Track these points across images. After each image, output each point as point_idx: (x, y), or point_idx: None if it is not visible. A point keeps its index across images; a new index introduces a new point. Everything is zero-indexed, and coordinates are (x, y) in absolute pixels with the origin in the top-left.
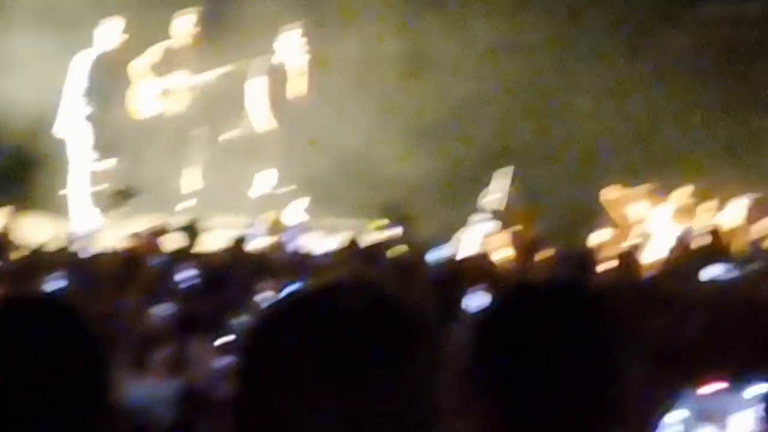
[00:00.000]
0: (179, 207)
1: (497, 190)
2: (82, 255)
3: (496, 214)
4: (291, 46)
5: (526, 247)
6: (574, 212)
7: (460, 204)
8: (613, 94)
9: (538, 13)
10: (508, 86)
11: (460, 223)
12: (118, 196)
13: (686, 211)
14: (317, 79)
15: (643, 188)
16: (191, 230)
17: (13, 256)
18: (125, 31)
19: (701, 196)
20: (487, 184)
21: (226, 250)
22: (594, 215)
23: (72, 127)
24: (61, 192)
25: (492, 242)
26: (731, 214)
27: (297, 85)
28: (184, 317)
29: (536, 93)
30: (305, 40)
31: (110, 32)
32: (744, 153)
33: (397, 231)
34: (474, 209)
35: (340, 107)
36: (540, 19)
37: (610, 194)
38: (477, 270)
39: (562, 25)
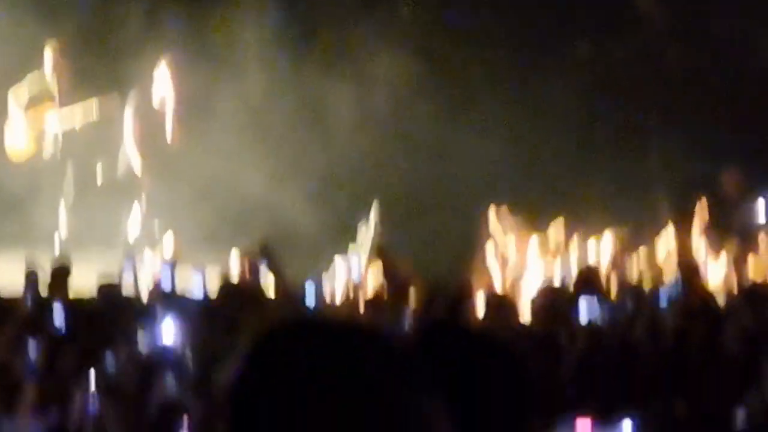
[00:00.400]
0: (51, 245)
1: (368, 227)
2: None
3: (367, 251)
4: (166, 82)
5: (397, 286)
6: (450, 250)
7: (335, 245)
8: (494, 132)
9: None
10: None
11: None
12: None
13: (558, 246)
14: (194, 116)
15: (515, 220)
16: (62, 269)
17: None
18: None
19: (573, 231)
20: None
21: (98, 289)
22: (469, 253)
23: None
24: None
25: (363, 280)
26: (601, 249)
27: (171, 124)
28: (55, 356)
29: (418, 132)
30: (180, 76)
31: None
32: (612, 190)
33: (265, 268)
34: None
35: (212, 145)
36: (430, 68)
37: (490, 222)
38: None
39: (447, 70)
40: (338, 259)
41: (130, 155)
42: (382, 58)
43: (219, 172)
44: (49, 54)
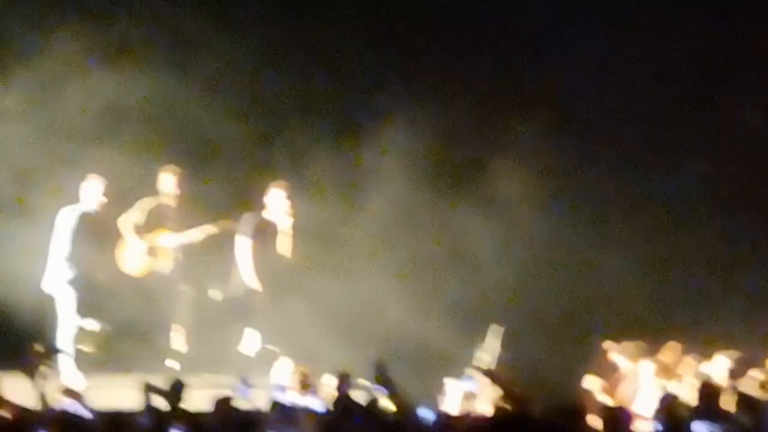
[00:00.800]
0: (167, 365)
1: (487, 349)
2: (71, 415)
3: (484, 372)
4: (278, 204)
5: (513, 404)
6: (560, 371)
7: (445, 365)
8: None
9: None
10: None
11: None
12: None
13: (670, 369)
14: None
15: (632, 345)
16: (177, 389)
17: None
18: (108, 189)
19: (683, 353)
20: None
21: (213, 409)
22: (578, 373)
23: (59, 285)
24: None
25: (479, 399)
26: (715, 370)
27: (283, 244)
28: None
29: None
30: (290, 200)
31: (92, 190)
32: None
33: (382, 390)
34: (455, 371)
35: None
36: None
37: (606, 347)
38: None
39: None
40: (449, 381)
41: (247, 276)
42: (513, 181)
43: (344, 296)
44: (164, 178)
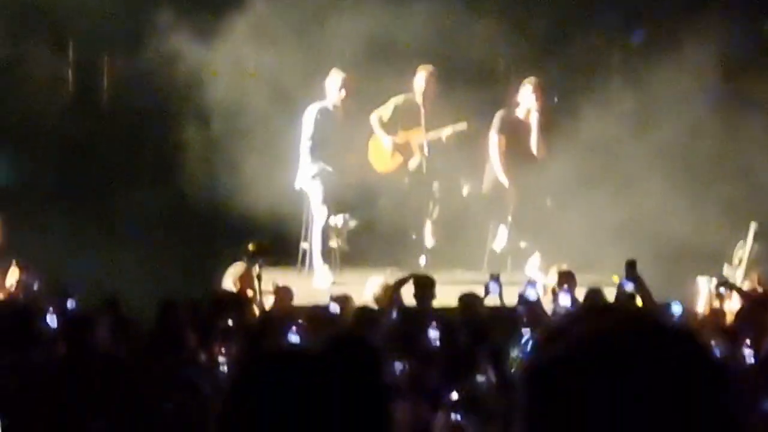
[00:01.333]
0: (419, 261)
1: (745, 246)
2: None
3: (735, 272)
4: (530, 99)
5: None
6: None
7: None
8: None
9: None
10: None
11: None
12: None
13: None
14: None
15: None
16: (428, 279)
17: (254, 312)
18: (350, 83)
19: None
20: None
21: (460, 299)
22: None
23: (311, 181)
24: (302, 246)
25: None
26: None
27: (537, 140)
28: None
29: None
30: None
31: (335, 85)
32: None
33: (631, 286)
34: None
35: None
36: None
37: None
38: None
39: None
40: (700, 279)
41: (497, 172)
42: None
43: (604, 199)
44: (420, 76)
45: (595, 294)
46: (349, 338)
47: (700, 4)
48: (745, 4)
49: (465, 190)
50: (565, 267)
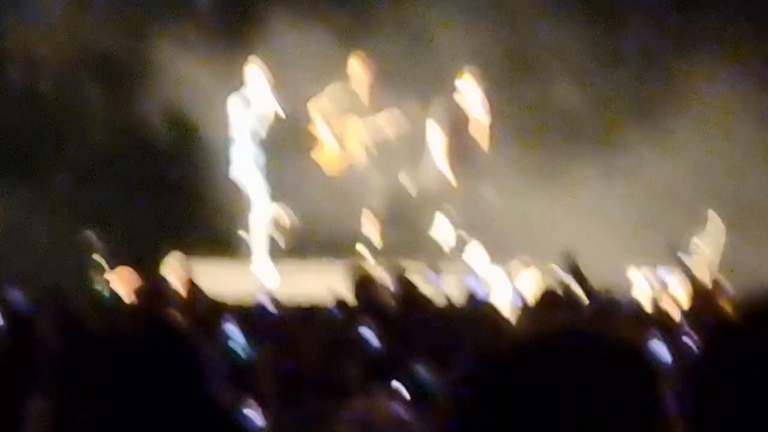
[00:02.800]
0: (359, 251)
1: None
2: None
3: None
4: (471, 90)
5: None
6: None
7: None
8: None
9: None
10: None
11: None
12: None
13: None
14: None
15: None
16: (367, 277)
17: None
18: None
19: None
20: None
21: (402, 298)
22: None
23: (247, 170)
24: (239, 236)
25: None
26: None
27: (477, 131)
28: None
29: None
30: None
31: (256, 75)
32: None
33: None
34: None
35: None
36: None
37: None
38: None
39: None
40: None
41: (439, 164)
42: None
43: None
44: (353, 64)
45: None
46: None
47: None
48: None
49: (405, 180)
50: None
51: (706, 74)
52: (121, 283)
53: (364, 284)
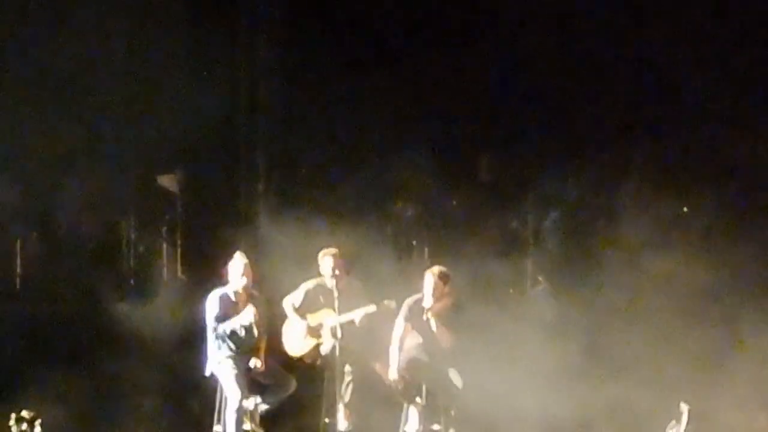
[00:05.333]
0: None
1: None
2: None
3: None
4: (431, 290)
5: None
6: None
7: None
8: None
9: None
10: None
11: None
12: None
13: None
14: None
15: None
16: None
17: None
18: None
19: None
20: None
21: None
22: None
23: (220, 366)
24: (216, 430)
25: None
26: None
27: (438, 331)
28: None
29: None
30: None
31: (240, 270)
32: None
33: None
34: None
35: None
36: None
37: None
38: None
39: None
40: None
41: (392, 358)
42: None
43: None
44: (326, 261)
45: None
46: None
47: None
48: None
49: (378, 372)
50: None
51: None
52: None
53: None
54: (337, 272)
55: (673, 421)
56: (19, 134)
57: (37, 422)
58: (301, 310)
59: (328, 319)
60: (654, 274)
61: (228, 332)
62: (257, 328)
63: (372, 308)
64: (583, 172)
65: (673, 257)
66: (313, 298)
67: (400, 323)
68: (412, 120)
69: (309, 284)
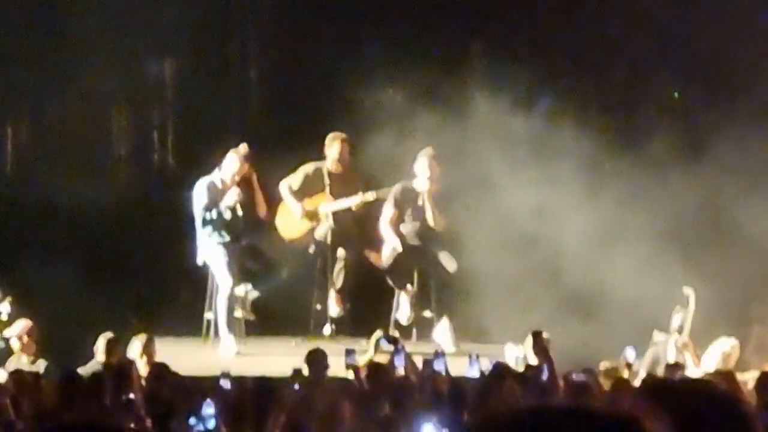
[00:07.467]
0: (323, 330)
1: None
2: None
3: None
4: (423, 172)
5: None
6: None
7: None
8: None
9: None
10: None
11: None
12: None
13: None
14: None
15: None
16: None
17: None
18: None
19: None
20: None
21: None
22: None
23: (212, 253)
24: (207, 316)
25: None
26: None
27: (432, 212)
28: None
29: None
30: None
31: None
32: None
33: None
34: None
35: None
36: None
37: None
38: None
39: None
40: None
41: (388, 240)
42: None
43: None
44: (334, 144)
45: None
46: None
47: None
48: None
49: (372, 259)
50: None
51: None
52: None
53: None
54: (342, 157)
55: (678, 306)
56: None
57: (7, 299)
58: (299, 194)
59: (325, 204)
60: None
61: (215, 217)
62: (242, 209)
63: (372, 195)
64: None
65: None
66: (312, 181)
67: (388, 210)
68: None
69: (308, 167)
